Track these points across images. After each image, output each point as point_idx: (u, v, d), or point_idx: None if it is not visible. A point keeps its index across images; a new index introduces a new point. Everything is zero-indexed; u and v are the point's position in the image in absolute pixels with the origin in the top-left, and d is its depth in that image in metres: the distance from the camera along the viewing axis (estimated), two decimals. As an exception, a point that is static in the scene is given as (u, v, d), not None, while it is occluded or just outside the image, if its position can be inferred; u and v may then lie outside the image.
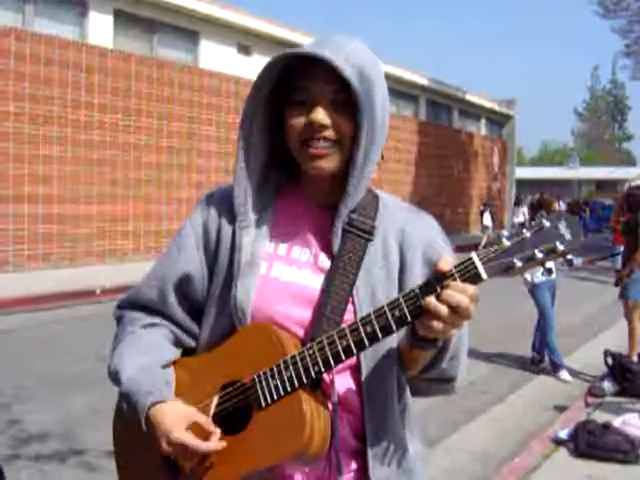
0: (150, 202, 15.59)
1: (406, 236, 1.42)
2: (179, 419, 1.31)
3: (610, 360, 6.24)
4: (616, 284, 7.12)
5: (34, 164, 13.13)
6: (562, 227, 1.18)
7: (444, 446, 4.96)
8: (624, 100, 79.38)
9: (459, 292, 1.18)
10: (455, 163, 29.75)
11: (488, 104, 32.95)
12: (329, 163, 1.36)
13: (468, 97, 30.68)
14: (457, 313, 1.18)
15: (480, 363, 7.25)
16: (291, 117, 1.37)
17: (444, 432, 5.18)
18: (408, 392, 1.48)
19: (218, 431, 1.32)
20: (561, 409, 5.82)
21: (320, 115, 1.33)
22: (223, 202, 1.47)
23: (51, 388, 6.03)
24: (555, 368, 6.97)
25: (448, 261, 1.21)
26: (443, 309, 1.18)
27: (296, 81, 1.37)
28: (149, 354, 1.43)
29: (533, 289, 7.03)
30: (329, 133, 1.35)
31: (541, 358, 7.33)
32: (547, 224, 1.18)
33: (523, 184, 43.24)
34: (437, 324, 1.19)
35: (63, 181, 13.67)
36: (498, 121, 35.39)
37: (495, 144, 34.48)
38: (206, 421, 1.32)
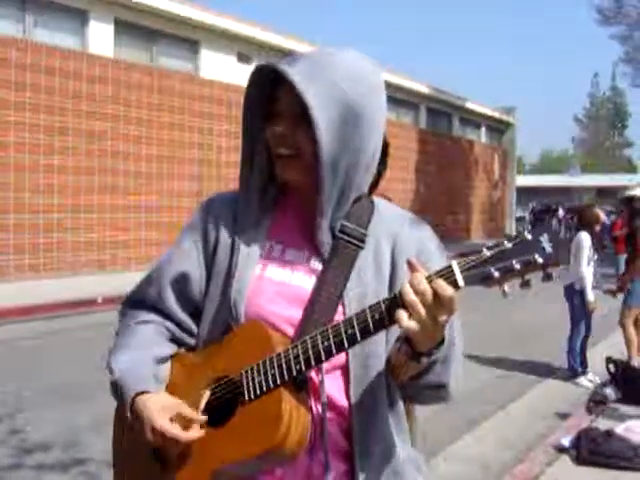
0: (151, 211, 15.61)
1: (398, 241, 1.45)
2: (163, 409, 1.35)
3: (612, 367, 6.24)
4: (620, 289, 7.11)
5: (35, 173, 13.16)
6: (544, 240, 1.18)
7: (445, 454, 4.95)
8: (624, 107, 79.49)
9: (413, 285, 1.19)
10: (455, 171, 29.76)
11: (488, 112, 32.99)
12: (290, 175, 1.41)
13: (468, 105, 30.73)
14: (408, 305, 1.19)
15: (481, 370, 7.23)
16: (267, 127, 1.42)
17: (445, 439, 5.17)
18: (399, 398, 1.48)
19: (202, 419, 1.35)
20: (563, 416, 5.81)
21: (279, 128, 1.38)
22: (222, 206, 1.52)
23: (53, 398, 6.03)
24: (575, 374, 6.94)
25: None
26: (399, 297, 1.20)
27: (276, 92, 1.40)
28: (141, 349, 1.47)
29: (578, 295, 6.81)
30: (284, 147, 1.39)
31: (584, 367, 7.00)
32: (529, 236, 1.19)
33: (523, 192, 43.23)
34: (399, 313, 1.20)
35: (65, 191, 13.69)
36: (498, 129, 35.43)
37: (495, 152, 34.50)
38: (190, 412, 1.35)
